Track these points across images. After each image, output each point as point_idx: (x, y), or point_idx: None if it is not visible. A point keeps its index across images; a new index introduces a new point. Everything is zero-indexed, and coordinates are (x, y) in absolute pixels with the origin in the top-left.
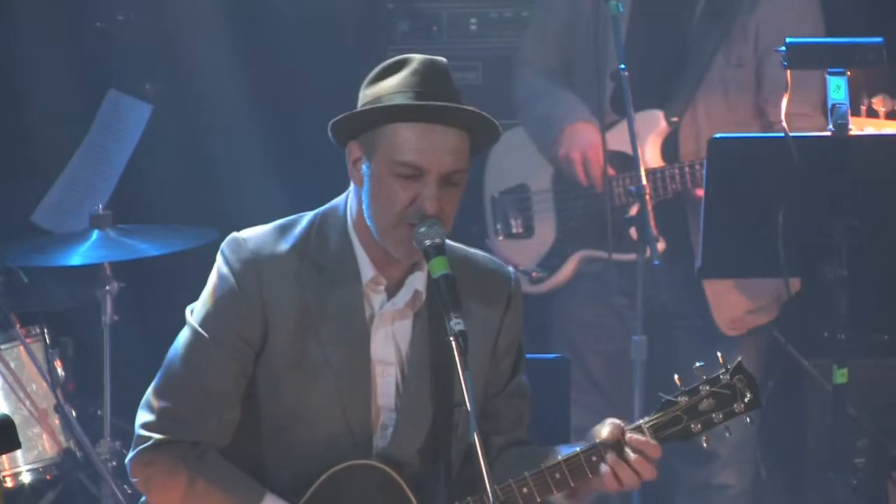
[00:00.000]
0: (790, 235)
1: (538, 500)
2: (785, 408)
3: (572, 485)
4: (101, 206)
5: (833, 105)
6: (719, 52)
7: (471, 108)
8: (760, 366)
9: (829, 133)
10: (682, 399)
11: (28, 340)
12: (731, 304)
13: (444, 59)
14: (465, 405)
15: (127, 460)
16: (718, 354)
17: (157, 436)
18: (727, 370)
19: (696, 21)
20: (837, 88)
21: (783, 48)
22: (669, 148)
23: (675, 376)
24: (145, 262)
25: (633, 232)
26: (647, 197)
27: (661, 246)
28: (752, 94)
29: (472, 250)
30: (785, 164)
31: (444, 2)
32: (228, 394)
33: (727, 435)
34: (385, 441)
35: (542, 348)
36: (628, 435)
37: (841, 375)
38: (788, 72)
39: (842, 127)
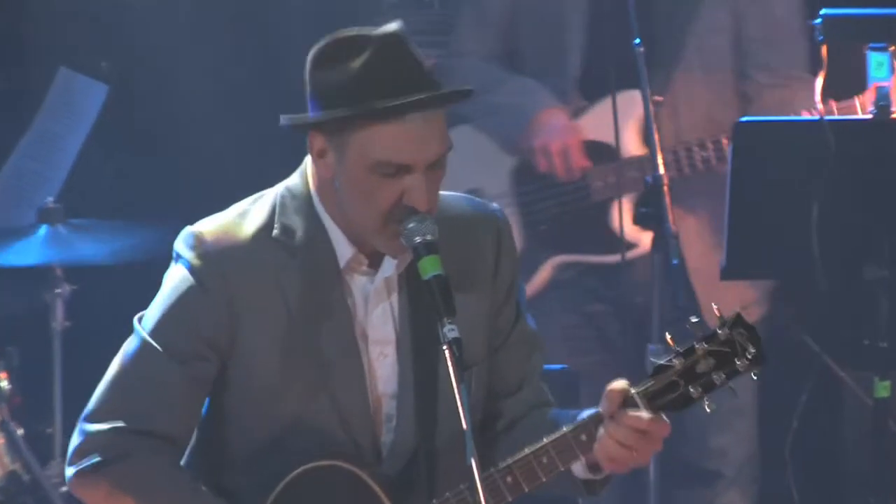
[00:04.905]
0: (825, 231)
1: (525, 489)
2: (820, 424)
3: (561, 468)
4: (50, 198)
5: (874, 84)
6: (693, 19)
7: (448, 89)
8: None
9: (870, 116)
10: (677, 361)
11: None
12: (721, 302)
13: (398, 28)
14: (476, 367)
15: (69, 475)
16: (714, 307)
17: (103, 426)
18: (724, 324)
19: None
20: (879, 65)
21: (818, 20)
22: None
23: (668, 336)
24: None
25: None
26: (665, 188)
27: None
28: (730, 64)
29: (446, 195)
30: (820, 152)
31: None
32: (183, 404)
33: (736, 398)
34: (392, 435)
35: None
36: (622, 412)
37: (883, 388)
38: (824, 48)
39: (884, 109)
